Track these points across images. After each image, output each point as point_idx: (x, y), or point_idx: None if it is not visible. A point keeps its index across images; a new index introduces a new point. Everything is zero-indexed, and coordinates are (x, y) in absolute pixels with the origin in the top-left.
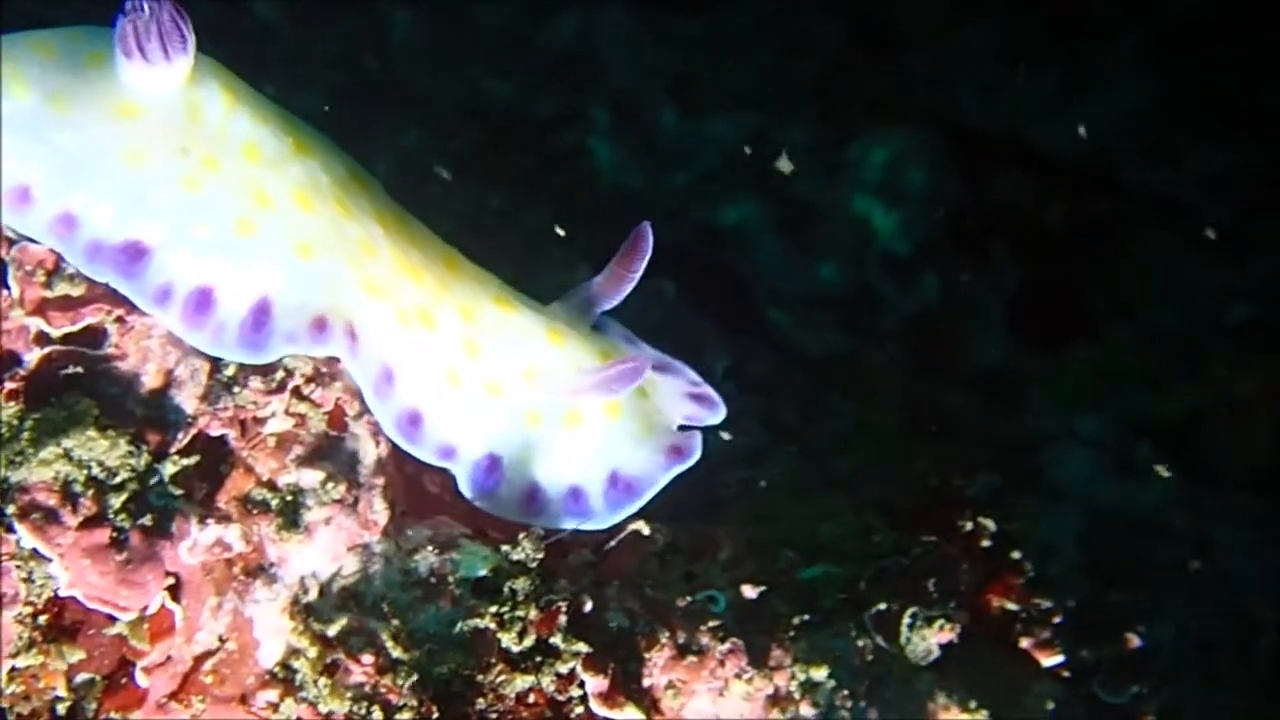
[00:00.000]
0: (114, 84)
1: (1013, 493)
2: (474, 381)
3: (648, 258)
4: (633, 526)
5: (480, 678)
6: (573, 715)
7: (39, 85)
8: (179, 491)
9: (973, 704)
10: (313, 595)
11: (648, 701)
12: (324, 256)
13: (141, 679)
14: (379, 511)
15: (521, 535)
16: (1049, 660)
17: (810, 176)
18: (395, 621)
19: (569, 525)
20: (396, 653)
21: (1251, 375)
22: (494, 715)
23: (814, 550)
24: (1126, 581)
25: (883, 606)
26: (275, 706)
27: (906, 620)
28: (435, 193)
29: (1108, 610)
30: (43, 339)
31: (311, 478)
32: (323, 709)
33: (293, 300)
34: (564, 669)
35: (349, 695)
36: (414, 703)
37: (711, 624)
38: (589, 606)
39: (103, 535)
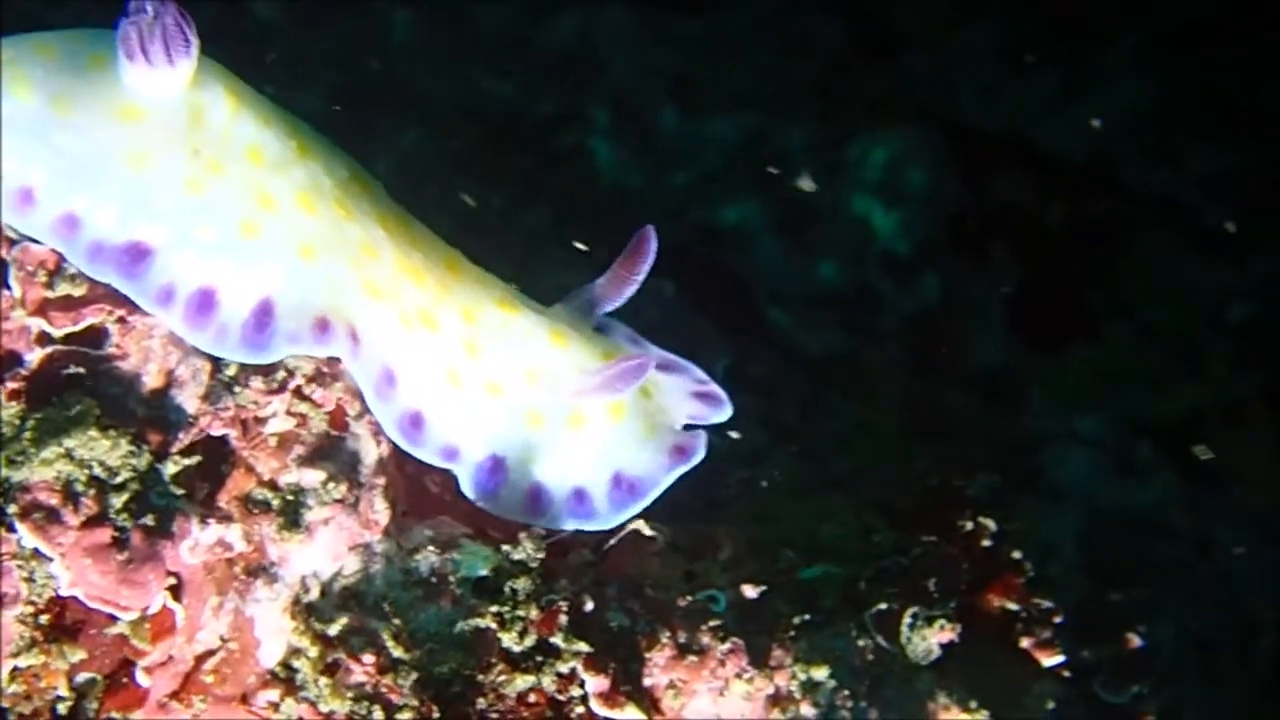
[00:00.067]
0: (117, 86)
1: (1013, 493)
2: (475, 383)
3: (651, 260)
4: (632, 526)
5: (481, 677)
6: (573, 715)
7: (42, 87)
8: (180, 491)
9: (973, 704)
10: (314, 595)
11: (648, 701)
12: (326, 258)
13: (143, 678)
14: (380, 511)
15: (522, 535)
16: (1049, 660)
17: (811, 176)
18: (396, 621)
19: (572, 526)
20: (397, 652)
21: (1251, 375)
22: (495, 715)
23: (814, 550)
24: (1127, 581)
25: (883, 606)
26: (276, 706)
27: (907, 620)
28: (434, 193)
29: (1108, 610)
30: (44, 339)
31: (313, 477)
32: (324, 708)
33: (295, 301)
34: (565, 669)
35: (350, 695)
36: (415, 702)
37: (712, 624)
38: (590, 606)
39: (104, 535)
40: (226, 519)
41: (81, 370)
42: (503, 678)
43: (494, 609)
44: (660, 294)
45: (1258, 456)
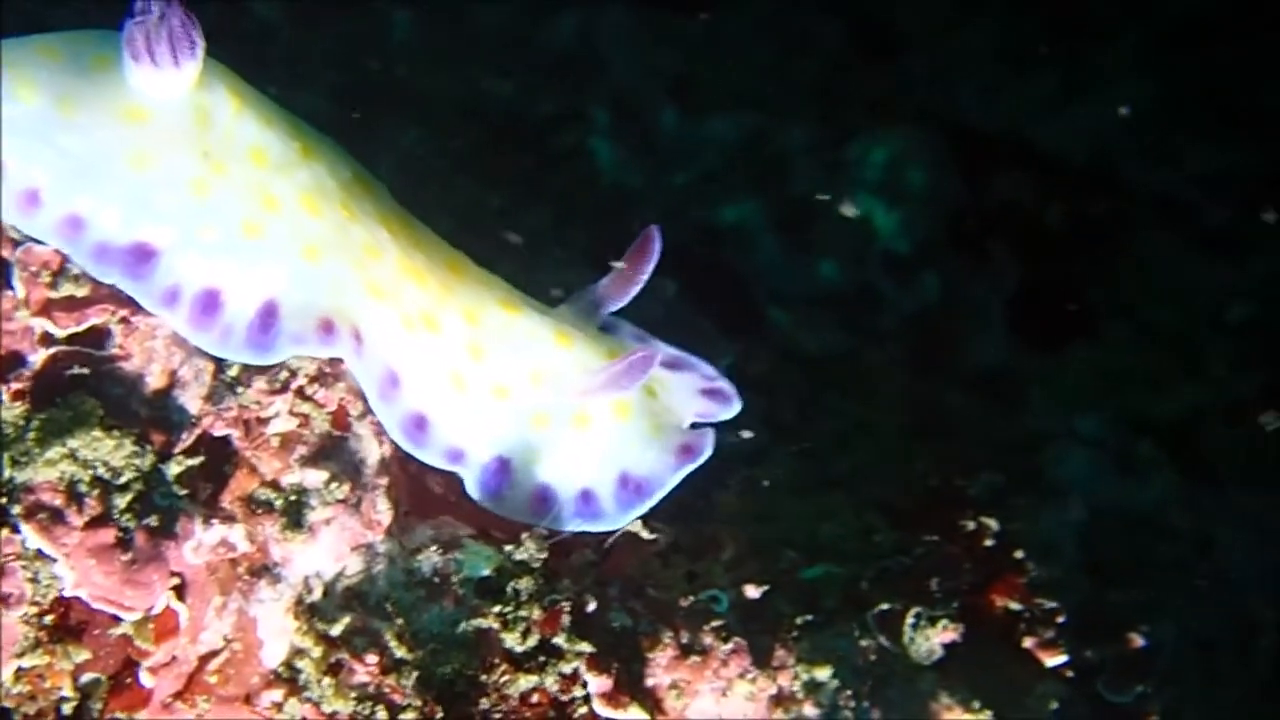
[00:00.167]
0: (121, 88)
1: (1014, 492)
2: (480, 384)
3: (656, 260)
4: (630, 528)
5: (484, 678)
6: (576, 715)
7: (46, 89)
8: (183, 492)
9: (976, 704)
10: (317, 595)
11: (651, 702)
12: (330, 259)
13: (146, 679)
14: (382, 511)
15: (525, 535)
16: (1052, 660)
17: (810, 176)
18: (399, 621)
19: (579, 527)
20: (400, 652)
21: (1252, 375)
22: (498, 715)
23: (816, 550)
24: (1128, 581)
25: (885, 606)
26: (279, 706)
27: (909, 620)
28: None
29: (1110, 610)
30: (48, 340)
31: (315, 478)
32: (327, 709)
33: (299, 302)
34: (567, 669)
35: (353, 695)
36: (418, 703)
37: (714, 624)
38: (592, 606)
39: (108, 535)
40: (229, 519)
41: (85, 371)
42: (505, 678)
43: (497, 609)
44: (661, 293)
45: (1260, 456)
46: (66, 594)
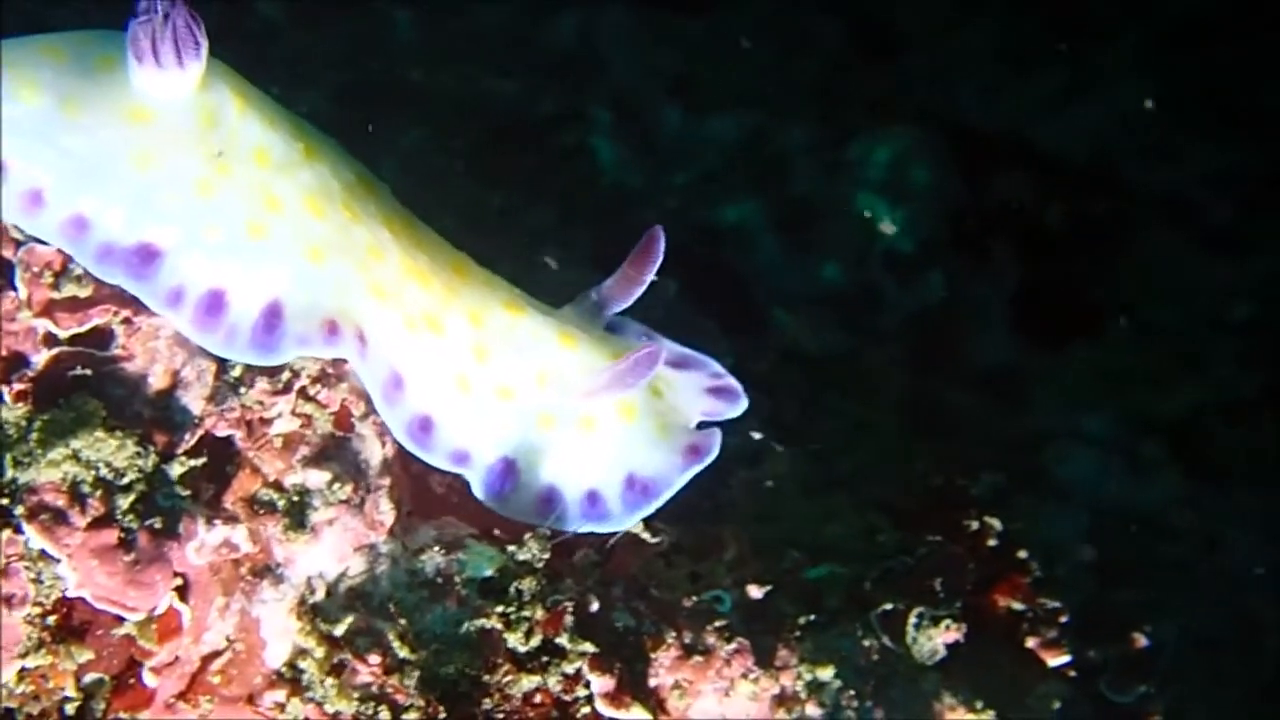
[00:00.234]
0: (125, 88)
1: (1017, 492)
2: (484, 386)
3: (659, 261)
4: (634, 528)
5: (487, 678)
6: (579, 715)
7: (50, 89)
8: (186, 492)
9: (979, 704)
10: (320, 595)
11: (654, 701)
12: (334, 260)
13: (149, 679)
14: (385, 512)
15: (527, 536)
16: (1055, 660)
17: (812, 175)
18: (402, 621)
19: (586, 528)
20: (403, 653)
21: (1254, 374)
22: (500, 715)
23: (819, 550)
24: (1132, 581)
25: (888, 606)
26: (282, 706)
27: (912, 620)
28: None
29: (1113, 610)
30: (50, 340)
31: (318, 478)
32: (330, 709)
33: (304, 303)
34: (570, 669)
35: (356, 695)
36: (421, 703)
37: (717, 624)
38: (595, 607)
39: (111, 536)
40: (232, 520)
41: (87, 371)
42: (508, 678)
43: (499, 609)
44: (663, 293)
45: (1261, 455)
46: (69, 594)
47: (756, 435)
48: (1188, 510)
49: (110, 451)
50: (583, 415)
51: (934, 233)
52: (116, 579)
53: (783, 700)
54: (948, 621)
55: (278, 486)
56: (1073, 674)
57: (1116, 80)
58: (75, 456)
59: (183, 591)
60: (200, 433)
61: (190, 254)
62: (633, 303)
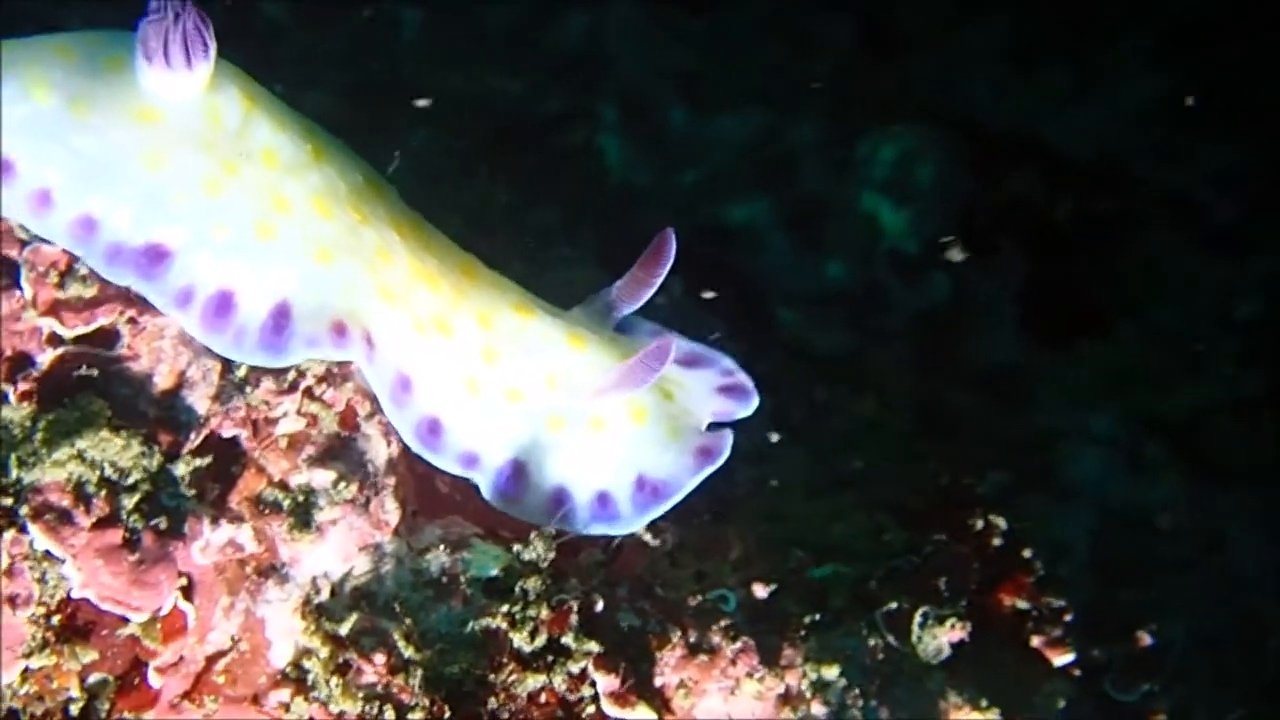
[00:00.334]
0: (134, 88)
1: (1023, 491)
2: (493, 388)
3: (670, 263)
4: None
5: (492, 677)
6: (584, 714)
7: (60, 89)
8: (191, 492)
9: (984, 702)
10: (324, 595)
11: (659, 701)
12: (342, 261)
13: (154, 679)
14: (390, 511)
15: (533, 535)
16: (1060, 659)
17: (819, 174)
18: (407, 621)
19: (596, 530)
20: (408, 652)
21: (1259, 373)
22: (506, 715)
23: (824, 549)
24: (1135, 580)
25: (894, 605)
26: (287, 706)
27: (917, 619)
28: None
29: (1118, 609)
30: (55, 340)
31: (323, 478)
32: (334, 709)
33: (312, 304)
34: (575, 668)
35: (361, 695)
36: (426, 702)
37: (722, 623)
38: (600, 606)
39: (115, 536)
40: (237, 520)
41: (93, 371)
42: (514, 677)
43: (505, 609)
44: (670, 293)
45: (1266, 455)
46: (74, 594)
47: (762, 434)
48: (1194, 510)
49: (115, 451)
50: (592, 417)
51: (941, 231)
52: (121, 579)
53: (788, 699)
54: (953, 620)
55: (283, 486)
56: (1077, 673)
57: (1119, 80)
58: (80, 456)
59: (187, 591)
60: (205, 432)
61: (199, 254)
62: (642, 304)
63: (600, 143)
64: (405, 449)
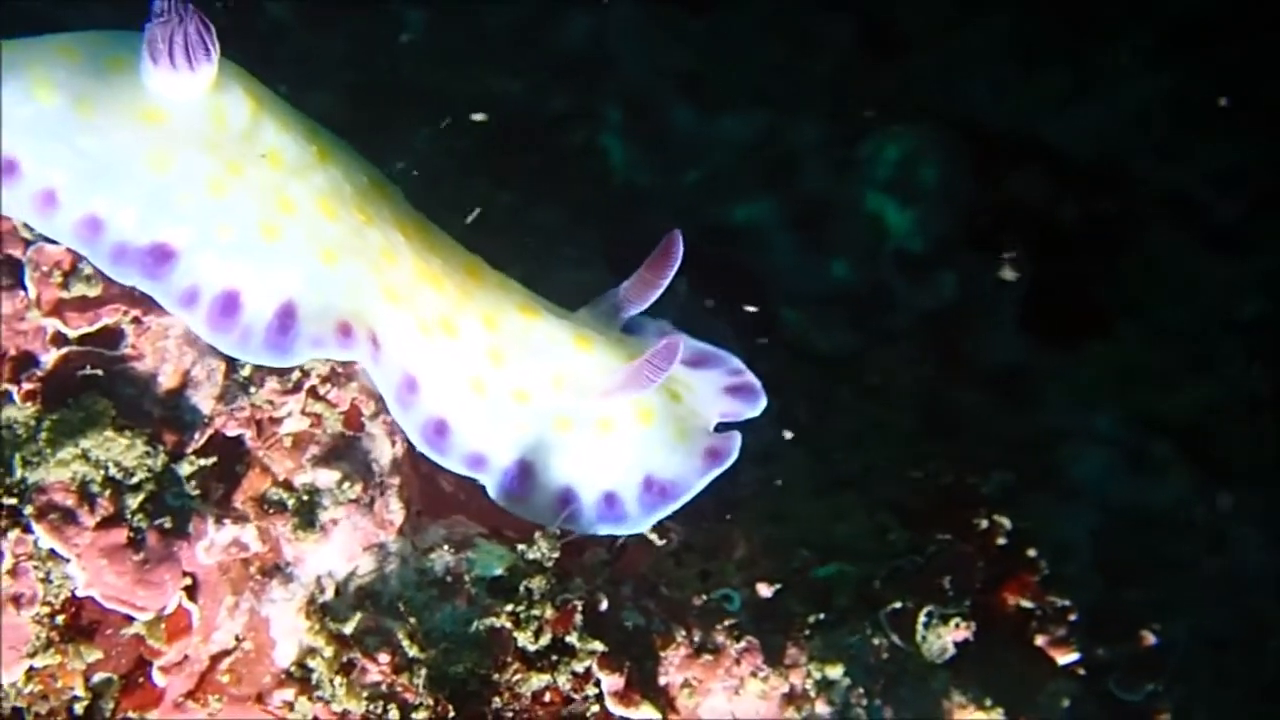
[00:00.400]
0: (138, 89)
1: (1027, 491)
2: (500, 389)
3: (677, 265)
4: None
5: (496, 676)
6: (589, 714)
7: (65, 89)
8: (196, 492)
9: (988, 702)
10: (329, 595)
11: (663, 700)
12: (347, 262)
13: (159, 678)
14: (395, 511)
15: (537, 534)
16: (1064, 658)
17: (822, 174)
18: (411, 620)
19: (604, 530)
20: (413, 652)
21: (1264, 372)
22: (510, 714)
23: (829, 549)
24: (1139, 580)
25: (898, 605)
26: (291, 705)
27: (922, 618)
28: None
29: (1123, 608)
30: (60, 340)
31: (328, 477)
32: (338, 708)
33: (318, 305)
34: (580, 668)
35: (365, 694)
36: (430, 701)
37: (727, 623)
38: (604, 605)
39: (120, 535)
40: (242, 519)
41: (97, 371)
42: (518, 677)
43: (509, 608)
44: (674, 293)
45: (1269, 454)
46: (78, 594)
47: (767, 434)
48: (1199, 509)
49: (119, 451)
50: (600, 418)
51: (946, 231)
52: (125, 578)
53: (792, 698)
54: (957, 620)
55: (287, 486)
56: (1082, 672)
57: (1119, 80)
58: (84, 456)
59: (192, 591)
60: (210, 432)
61: (204, 254)
62: (649, 305)
63: (604, 143)
64: (409, 448)
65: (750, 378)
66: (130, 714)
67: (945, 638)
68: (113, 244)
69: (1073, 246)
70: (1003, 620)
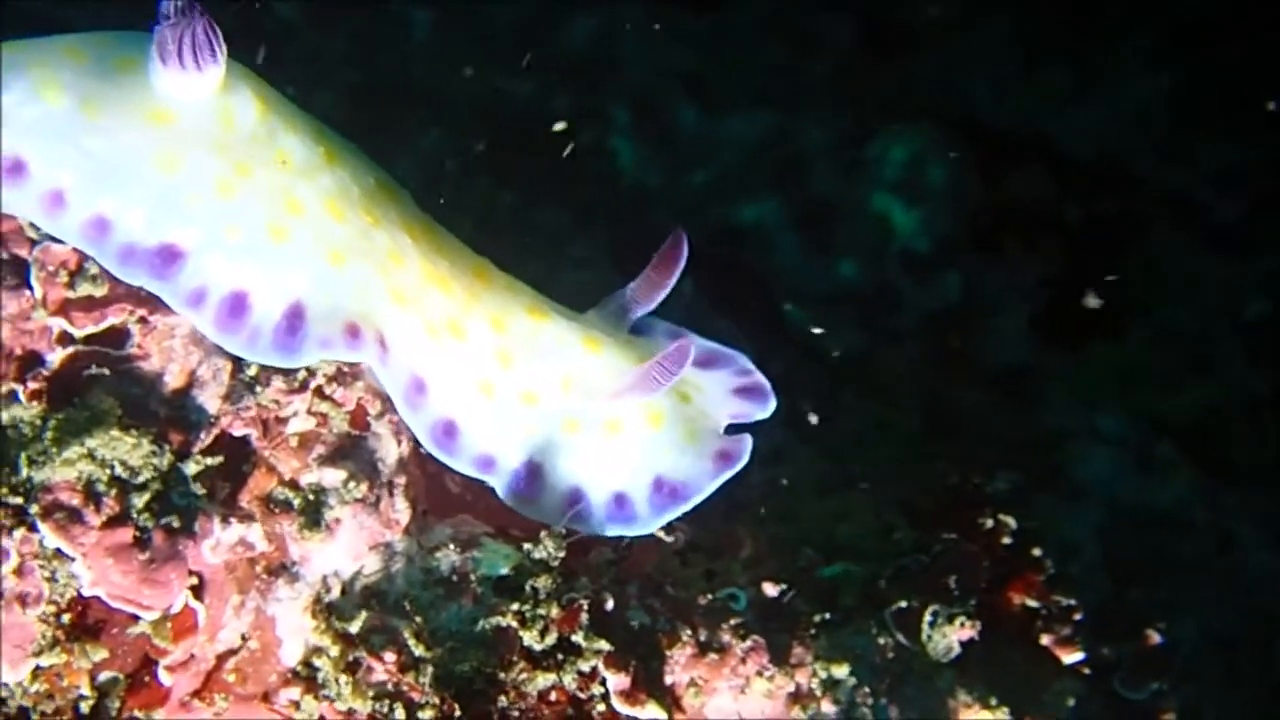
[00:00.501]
0: (146, 90)
1: (1032, 490)
2: (508, 391)
3: (683, 263)
4: None
5: (502, 675)
6: (594, 713)
7: (72, 90)
8: (202, 491)
9: (993, 701)
10: (335, 594)
11: (669, 699)
12: (355, 264)
13: (165, 677)
14: (401, 510)
15: (543, 534)
16: (1069, 657)
17: (828, 174)
18: (417, 619)
19: (613, 531)
20: (418, 651)
21: (1267, 372)
22: (516, 713)
23: (834, 549)
24: (1146, 579)
25: (903, 604)
26: (297, 705)
27: (927, 618)
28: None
29: (1128, 608)
30: (66, 339)
31: (333, 477)
32: (344, 707)
33: (326, 306)
34: (586, 667)
35: (371, 693)
36: (436, 701)
37: (733, 622)
38: (610, 605)
39: (126, 535)
40: (248, 518)
41: (103, 370)
42: (524, 676)
43: (515, 607)
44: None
45: (1272, 454)
46: (84, 593)
47: (774, 434)
48: (1204, 509)
49: (125, 450)
50: (609, 419)
51: (952, 231)
52: (131, 577)
53: (798, 698)
54: (962, 619)
55: (293, 485)
56: (1087, 671)
57: (1119, 80)
58: (90, 455)
59: (198, 590)
60: (216, 431)
61: (212, 255)
62: (656, 305)
63: (612, 144)
64: (415, 448)
65: (759, 378)
66: (136, 713)
67: (950, 637)
68: (121, 245)
69: (1079, 246)
70: (1008, 619)
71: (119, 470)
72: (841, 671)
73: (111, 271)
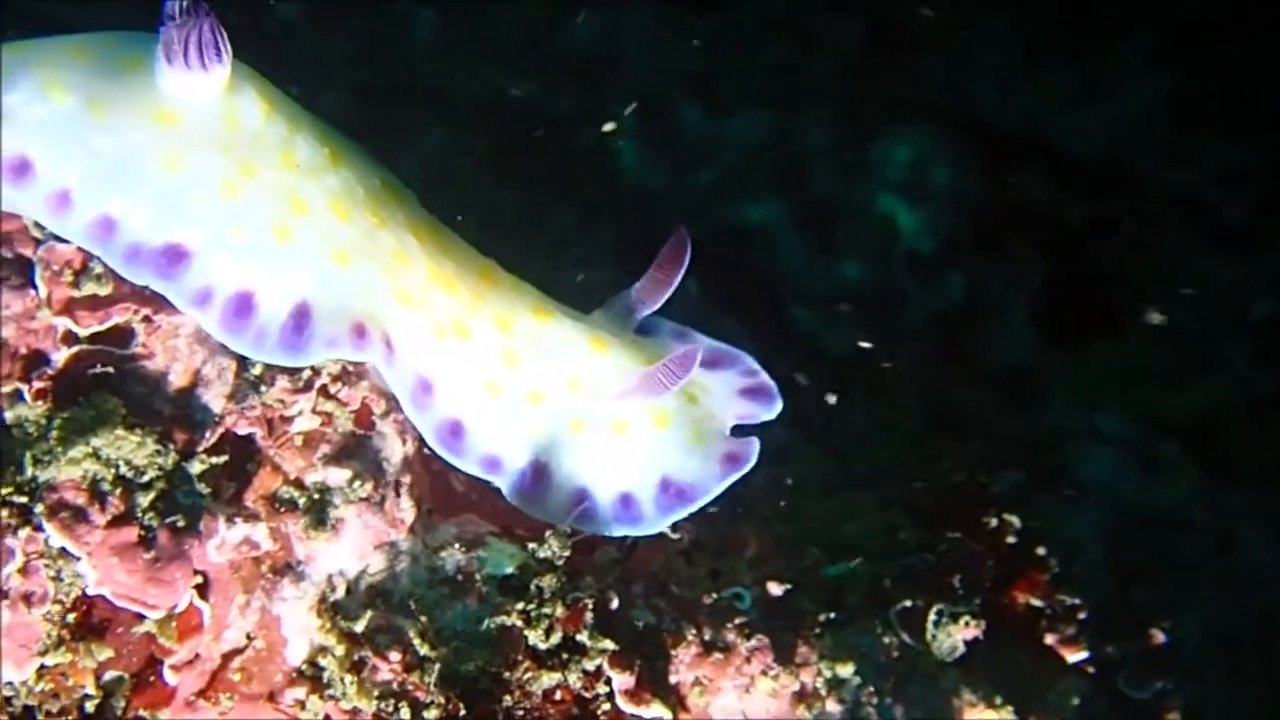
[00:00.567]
0: (152, 90)
1: (1036, 490)
2: (514, 391)
3: (687, 262)
4: None
5: (507, 675)
6: (599, 712)
7: (78, 90)
8: (207, 490)
9: (998, 700)
10: (340, 593)
11: (674, 698)
12: (360, 264)
13: (170, 677)
14: (406, 509)
15: (548, 533)
16: (1074, 656)
17: (832, 175)
18: (422, 619)
19: (619, 531)
20: (424, 650)
21: (1271, 372)
22: (521, 712)
23: (839, 548)
24: (1150, 579)
25: (908, 603)
26: (302, 704)
27: (932, 617)
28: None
29: (1132, 607)
30: (70, 338)
31: (339, 476)
32: (349, 706)
33: (332, 306)
34: (590, 666)
35: (376, 693)
36: (441, 700)
37: (738, 621)
38: (615, 604)
39: (131, 534)
40: (253, 518)
41: (108, 369)
42: (529, 675)
43: (520, 606)
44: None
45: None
46: (89, 592)
47: (778, 434)
48: (1208, 508)
49: (130, 449)
50: (615, 420)
51: (955, 231)
52: (137, 577)
53: (803, 697)
54: (967, 618)
55: (298, 484)
56: (1091, 670)
57: (1122, 80)
58: (95, 454)
59: (203, 589)
60: (221, 430)
61: (217, 255)
62: (661, 304)
63: (615, 144)
64: (420, 447)
65: (765, 379)
66: (141, 712)
67: (955, 636)
68: (126, 244)
69: (1084, 246)
70: (1012, 619)
71: (124, 469)
72: (846, 671)
73: (117, 271)
